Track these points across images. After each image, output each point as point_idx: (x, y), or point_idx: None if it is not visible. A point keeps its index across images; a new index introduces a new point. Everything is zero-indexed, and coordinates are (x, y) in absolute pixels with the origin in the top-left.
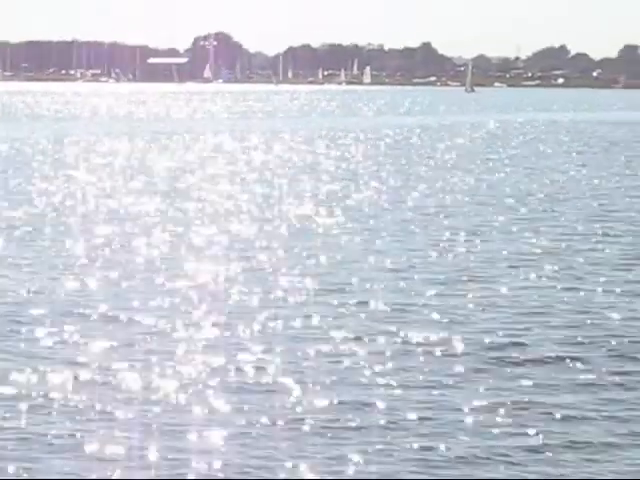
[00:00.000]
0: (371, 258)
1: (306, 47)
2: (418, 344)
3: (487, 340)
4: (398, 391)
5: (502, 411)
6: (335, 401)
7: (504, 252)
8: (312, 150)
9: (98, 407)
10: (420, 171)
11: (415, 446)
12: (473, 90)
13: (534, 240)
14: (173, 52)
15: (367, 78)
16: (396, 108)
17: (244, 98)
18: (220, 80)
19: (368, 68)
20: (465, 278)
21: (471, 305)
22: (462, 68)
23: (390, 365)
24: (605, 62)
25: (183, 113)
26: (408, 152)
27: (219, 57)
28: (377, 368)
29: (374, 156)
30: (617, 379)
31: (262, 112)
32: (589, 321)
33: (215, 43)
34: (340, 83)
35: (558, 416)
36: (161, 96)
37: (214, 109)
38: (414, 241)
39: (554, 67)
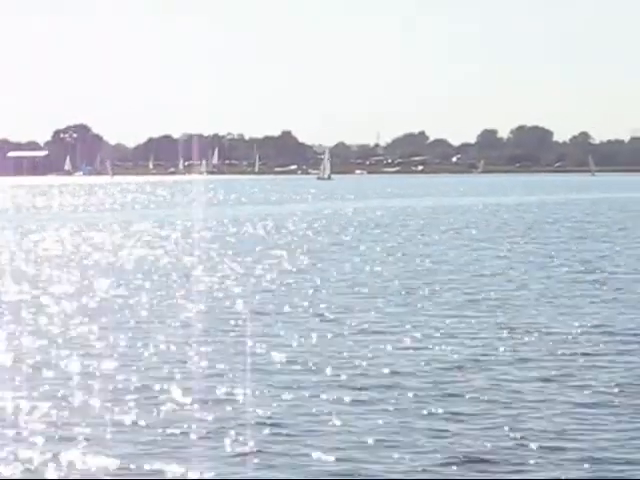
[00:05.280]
0: None
1: (167, 138)
2: None
3: None
4: None
5: None
6: None
7: None
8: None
9: None
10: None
11: None
12: (330, 178)
13: None
14: (33, 145)
15: (256, 168)
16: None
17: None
18: (80, 173)
19: (257, 157)
20: None
21: None
22: (322, 156)
23: None
24: (464, 147)
25: None
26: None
27: (79, 150)
28: None
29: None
30: None
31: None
32: None
33: (75, 135)
34: (202, 173)
35: None
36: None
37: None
38: None
39: (414, 153)
